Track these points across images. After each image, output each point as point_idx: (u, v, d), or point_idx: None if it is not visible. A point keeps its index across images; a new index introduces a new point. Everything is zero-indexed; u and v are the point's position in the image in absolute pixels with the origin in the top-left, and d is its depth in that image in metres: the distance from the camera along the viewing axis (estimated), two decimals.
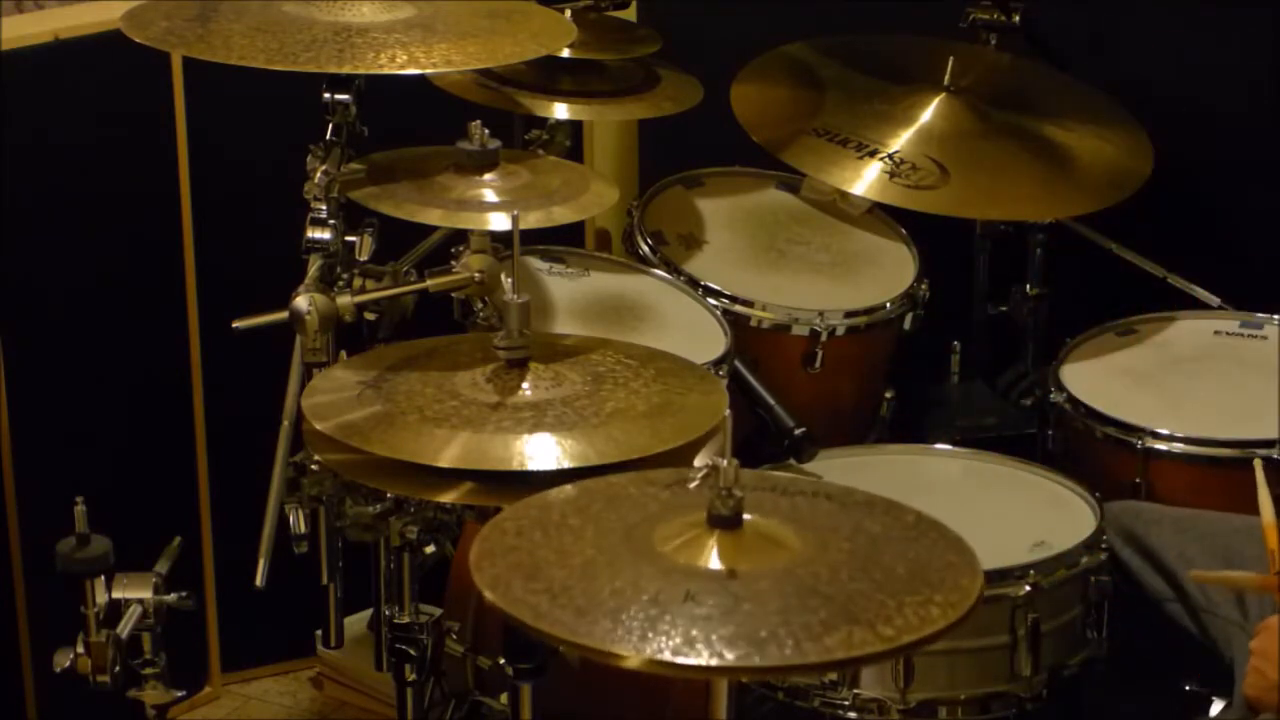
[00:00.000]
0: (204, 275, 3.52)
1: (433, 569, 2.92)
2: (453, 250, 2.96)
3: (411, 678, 2.89)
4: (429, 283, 2.88)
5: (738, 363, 3.21)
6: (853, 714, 2.87)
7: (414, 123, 3.05)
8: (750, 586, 2.08)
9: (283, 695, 3.71)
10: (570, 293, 3.32)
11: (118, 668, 2.60)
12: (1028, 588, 2.86)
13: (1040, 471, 3.17)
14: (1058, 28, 3.69)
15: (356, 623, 3.40)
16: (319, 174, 2.85)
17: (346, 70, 2.80)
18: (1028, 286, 3.67)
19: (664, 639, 2.00)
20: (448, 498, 2.58)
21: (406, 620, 2.87)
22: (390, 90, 2.95)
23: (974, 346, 3.75)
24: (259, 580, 2.74)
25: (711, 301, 3.33)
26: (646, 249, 3.43)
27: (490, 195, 2.89)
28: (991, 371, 3.74)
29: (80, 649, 2.60)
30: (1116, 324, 3.45)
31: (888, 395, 3.52)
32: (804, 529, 2.19)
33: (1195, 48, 3.65)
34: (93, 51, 3.30)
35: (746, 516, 2.15)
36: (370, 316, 2.93)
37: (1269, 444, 3.07)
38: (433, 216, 2.86)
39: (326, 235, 2.83)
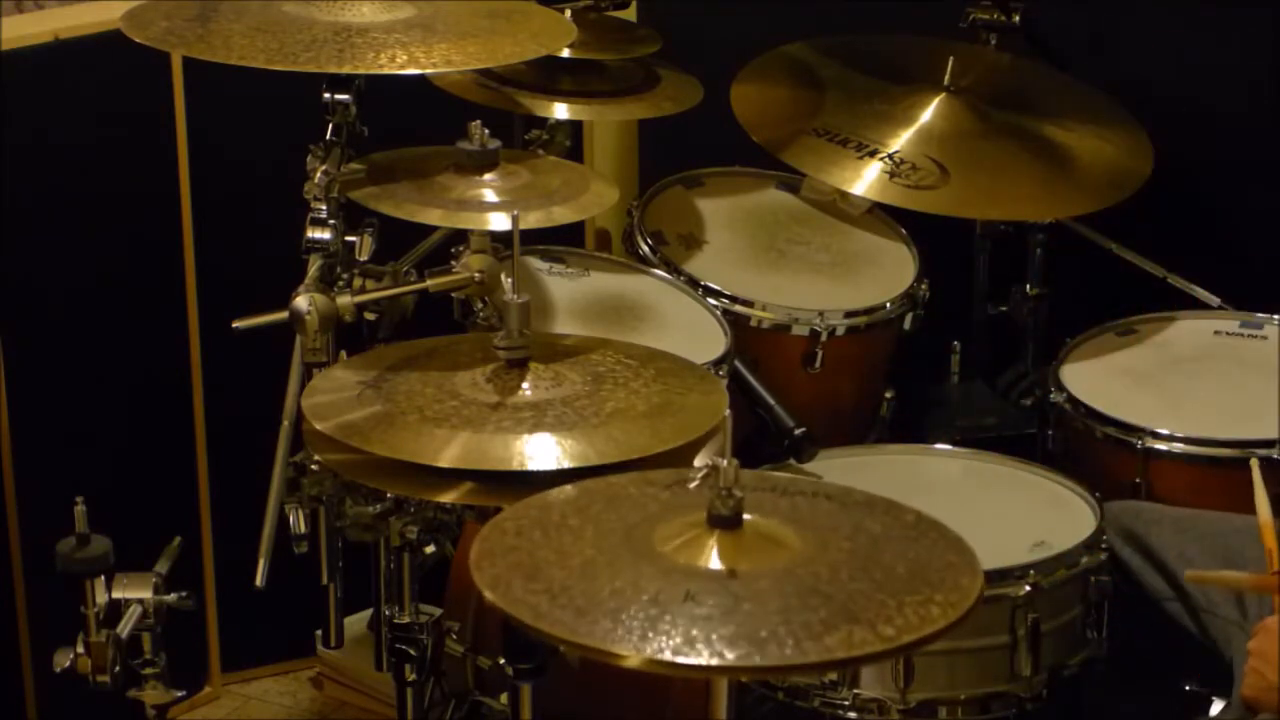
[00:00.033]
0: (204, 275, 3.52)
1: (433, 569, 2.92)
2: (453, 250, 2.96)
3: (411, 678, 2.89)
4: (429, 283, 2.88)
5: (738, 363, 3.21)
6: (853, 714, 2.87)
7: (414, 123, 3.05)
8: (750, 586, 2.08)
9: (283, 695, 3.71)
10: (570, 293, 3.32)
11: (118, 668, 2.60)
12: (1028, 588, 2.86)
13: (1040, 471, 3.17)
14: (1058, 28, 3.69)
15: (356, 623, 3.40)
16: (319, 174, 2.85)
17: (346, 70, 2.80)
18: (1028, 286, 3.67)
19: (664, 639, 2.00)
20: (448, 498, 2.58)
21: (406, 620, 2.87)
22: (390, 90, 2.95)
23: (974, 346, 3.75)
24: (259, 580, 2.73)
25: (711, 301, 3.33)
26: (646, 249, 3.43)
27: (490, 195, 2.89)
28: (991, 371, 3.74)
29: (80, 649, 2.60)
30: (1116, 324, 3.45)
31: (888, 395, 3.52)
32: (804, 529, 2.19)
33: (1195, 48, 3.65)
34: (93, 51, 3.30)
35: (746, 516, 2.15)
36: (370, 316, 2.93)
37: (1269, 444, 3.07)
38: (433, 216, 2.86)
39: (326, 235, 2.83)
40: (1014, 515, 3.06)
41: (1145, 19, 3.67)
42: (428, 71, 2.89)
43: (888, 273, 3.50)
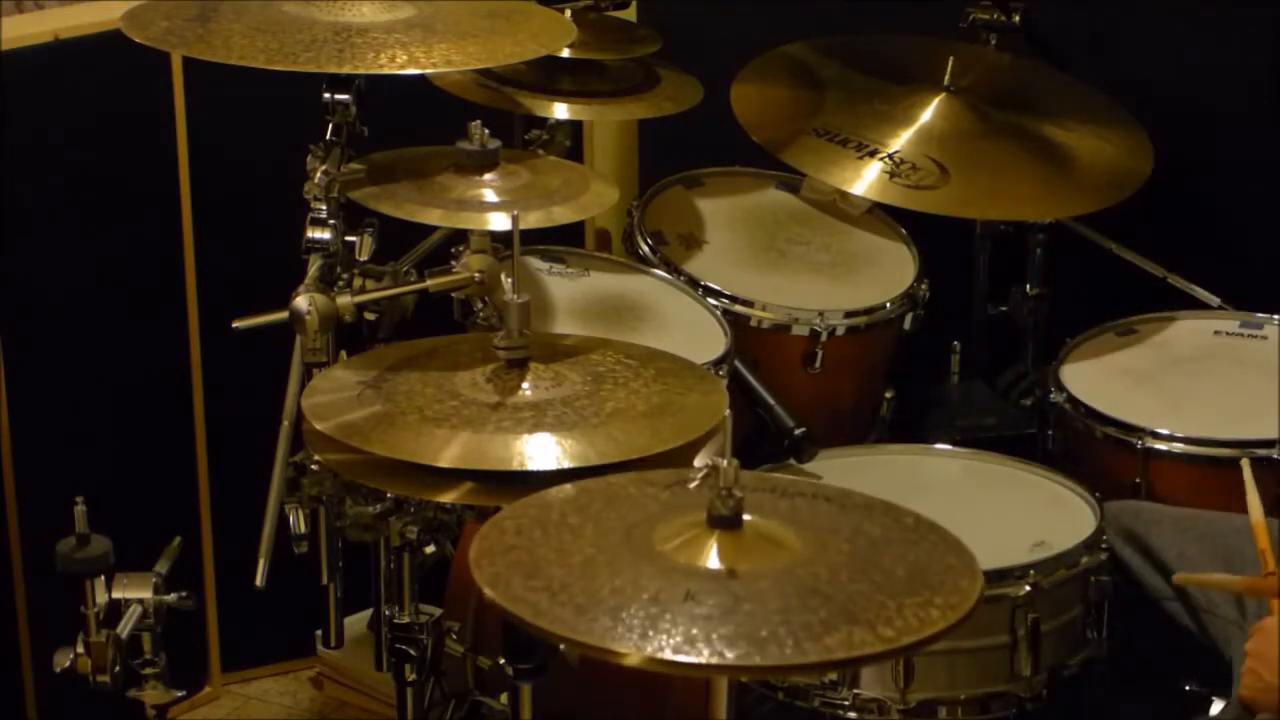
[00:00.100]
0: (204, 275, 3.52)
1: (433, 569, 2.92)
2: (453, 250, 2.96)
3: (411, 678, 2.89)
4: (429, 283, 2.88)
5: (738, 363, 3.21)
6: (853, 714, 2.87)
7: (414, 123, 3.06)
8: (750, 586, 2.08)
9: (283, 695, 3.71)
10: (570, 293, 3.32)
11: (118, 668, 2.60)
12: (1028, 588, 2.86)
13: (1040, 471, 3.17)
14: (1058, 28, 3.69)
15: (356, 623, 3.40)
16: (319, 174, 2.85)
17: (346, 70, 2.80)
18: (1028, 286, 3.67)
19: (664, 637, 2.00)
20: (448, 498, 2.58)
21: (406, 620, 2.87)
22: (390, 90, 2.95)
23: (974, 346, 3.75)
24: (259, 580, 2.74)
25: (711, 301, 3.33)
26: (646, 249, 3.43)
27: (490, 195, 2.89)
28: (991, 371, 3.74)
29: (80, 649, 2.60)
30: (1116, 324, 3.45)
31: (888, 395, 3.52)
32: (804, 530, 2.19)
33: (1195, 48, 3.66)
34: (93, 51, 3.30)
35: (746, 517, 2.15)
36: (370, 316, 2.93)
37: (1269, 444, 3.08)
38: (433, 216, 2.86)
39: (326, 235, 2.83)
40: (1014, 515, 3.06)
41: (1145, 19, 3.67)
42: (428, 71, 2.89)
43: (888, 273, 3.50)
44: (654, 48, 3.54)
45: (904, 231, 3.56)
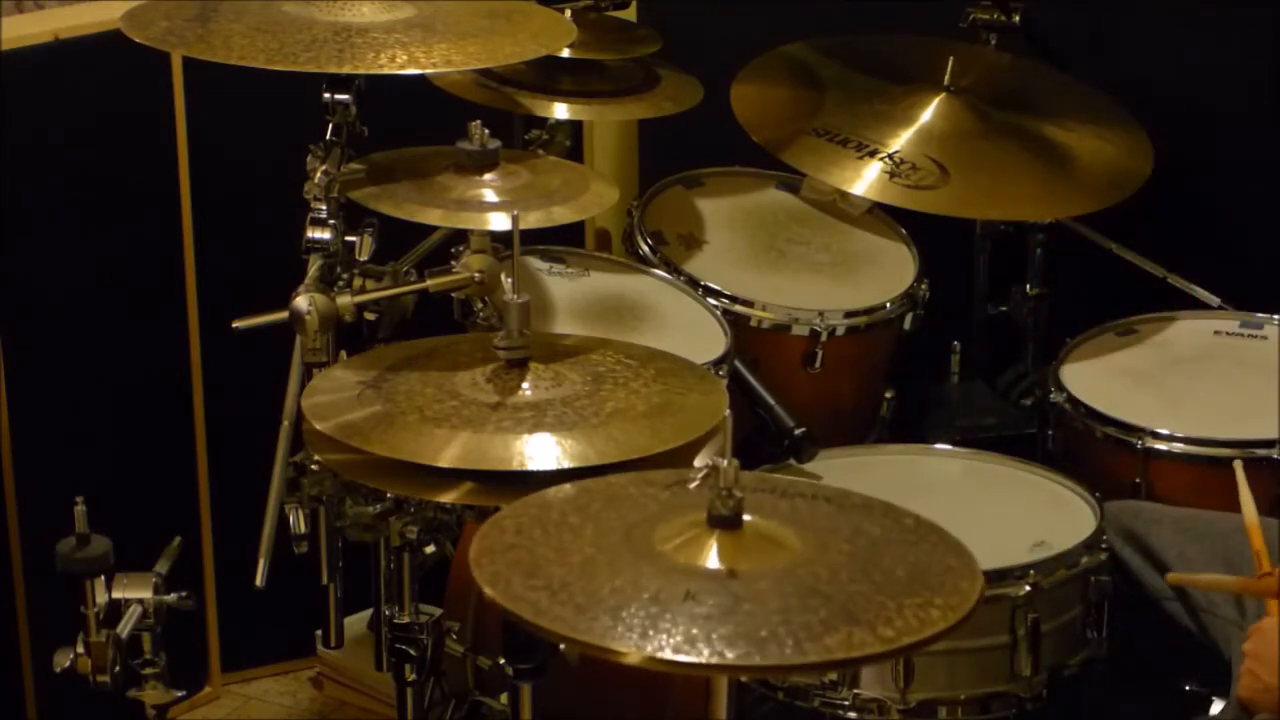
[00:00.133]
0: (204, 275, 3.52)
1: (433, 569, 2.92)
2: (453, 250, 2.96)
3: (411, 678, 2.89)
4: (429, 283, 2.88)
5: (738, 363, 3.21)
6: (853, 714, 2.87)
7: (414, 123, 3.05)
8: (750, 586, 2.08)
9: (283, 695, 3.71)
10: (570, 293, 3.32)
11: (118, 668, 2.60)
12: (1028, 588, 2.86)
13: (1040, 471, 3.17)
14: (1058, 28, 3.69)
15: (356, 623, 3.40)
16: (319, 174, 2.85)
17: (346, 70, 2.80)
18: (1028, 286, 3.67)
19: (664, 637, 2.00)
20: (448, 498, 2.58)
21: (406, 620, 2.87)
22: (390, 90, 2.95)
23: (974, 346, 3.75)
24: (259, 580, 2.73)
25: (711, 301, 3.33)
26: (646, 249, 3.43)
27: (490, 195, 2.89)
28: (991, 371, 3.74)
29: (80, 649, 2.60)
30: (1116, 324, 3.45)
31: (888, 395, 3.52)
32: (803, 530, 2.19)
33: (1195, 48, 3.66)
34: (93, 51, 3.30)
35: (746, 517, 2.15)
36: (370, 316, 2.93)
37: (1269, 444, 3.08)
38: (433, 216, 2.86)
39: (326, 235, 2.83)
40: (1014, 515, 3.06)
41: (1145, 19, 3.67)
42: (428, 71, 2.89)
43: (888, 273, 3.50)
44: (654, 48, 3.54)
45: (904, 231, 3.56)
